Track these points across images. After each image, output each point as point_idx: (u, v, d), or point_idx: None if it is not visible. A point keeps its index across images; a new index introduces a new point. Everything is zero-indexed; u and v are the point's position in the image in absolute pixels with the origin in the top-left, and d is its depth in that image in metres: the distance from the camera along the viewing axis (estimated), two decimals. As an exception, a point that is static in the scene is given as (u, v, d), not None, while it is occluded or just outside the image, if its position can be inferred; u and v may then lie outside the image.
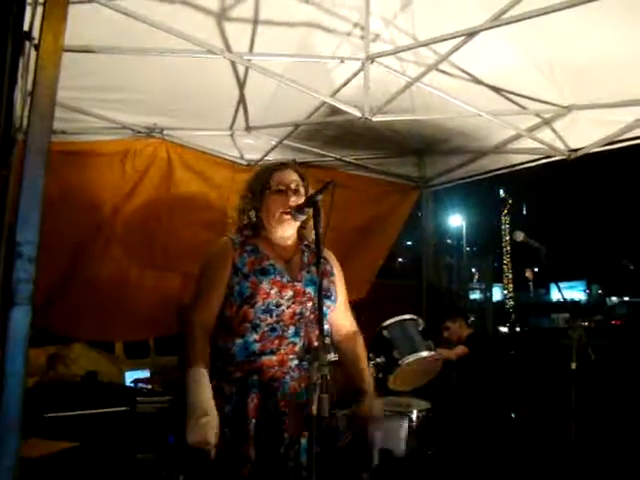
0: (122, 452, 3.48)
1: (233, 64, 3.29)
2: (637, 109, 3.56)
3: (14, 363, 1.15)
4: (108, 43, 2.81)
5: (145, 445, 3.66)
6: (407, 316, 3.47)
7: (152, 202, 4.20)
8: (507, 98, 3.67)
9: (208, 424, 1.94)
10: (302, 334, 2.16)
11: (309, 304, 2.19)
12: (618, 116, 3.70)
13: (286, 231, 2.31)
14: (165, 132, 4.10)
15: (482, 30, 2.59)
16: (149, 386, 4.59)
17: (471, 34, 2.64)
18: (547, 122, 3.97)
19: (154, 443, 3.67)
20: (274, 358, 2.12)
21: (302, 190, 2.29)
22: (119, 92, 3.53)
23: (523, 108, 3.78)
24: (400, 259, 22.72)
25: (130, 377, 4.61)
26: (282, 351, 2.13)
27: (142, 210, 4.16)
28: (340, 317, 2.45)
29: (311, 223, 2.25)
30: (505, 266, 33.67)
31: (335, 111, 3.57)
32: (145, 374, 4.82)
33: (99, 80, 3.33)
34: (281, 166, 2.36)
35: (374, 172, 5.17)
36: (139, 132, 4.01)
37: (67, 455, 2.83)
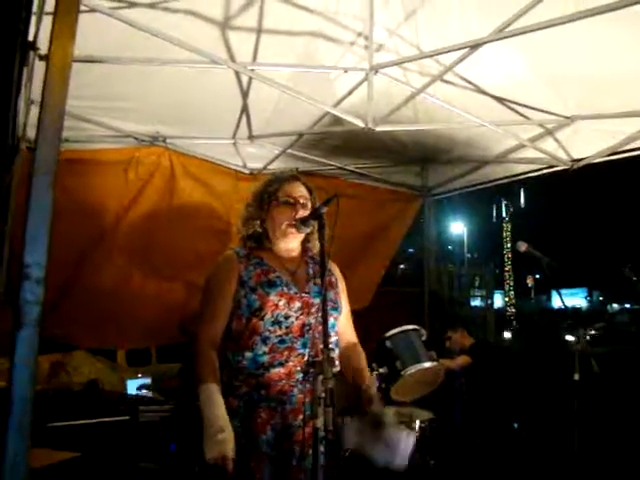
0: (124, 461, 3.46)
1: (237, 73, 3.29)
2: (638, 120, 3.56)
3: (21, 388, 1.14)
4: (111, 53, 2.81)
5: (147, 454, 3.65)
6: (410, 326, 3.44)
7: (155, 210, 4.19)
8: (510, 108, 3.67)
9: (225, 440, 1.93)
10: (310, 345, 2.15)
11: (318, 315, 2.18)
12: (621, 127, 3.72)
13: (290, 243, 2.31)
14: (168, 140, 4.10)
15: (487, 42, 2.59)
16: (150, 394, 4.58)
17: (475, 46, 2.65)
18: (550, 132, 3.97)
19: (156, 452, 3.66)
20: (282, 370, 2.11)
21: (309, 204, 2.30)
22: (122, 100, 3.52)
23: (526, 118, 3.78)
24: (402, 266, 22.68)
25: (132, 385, 4.60)
26: (291, 363, 2.12)
27: (145, 218, 4.16)
28: (342, 328, 2.44)
29: (315, 235, 2.27)
30: (506, 273, 33.59)
31: (338, 121, 3.58)
32: (147, 382, 4.80)
33: (102, 88, 3.32)
34: (290, 178, 2.35)
35: (377, 181, 5.19)
36: (142, 140, 4.01)
37: (69, 465, 2.82)
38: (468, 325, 4.99)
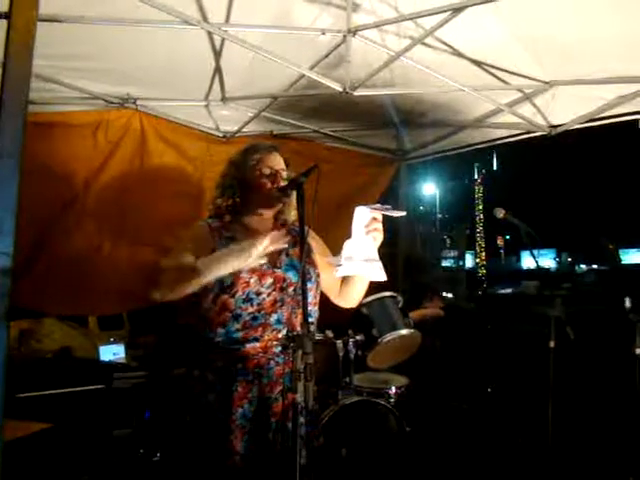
0: (98, 429, 3.43)
1: (209, 34, 3.17)
2: (619, 87, 3.54)
3: None
4: (78, 11, 2.67)
5: (121, 421, 3.63)
6: (387, 293, 3.45)
7: (125, 174, 4.09)
8: (489, 72, 3.61)
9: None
10: (284, 321, 2.12)
11: (289, 290, 2.15)
12: (600, 93, 3.69)
13: (266, 214, 2.27)
14: (138, 102, 3.97)
15: (470, 5, 2.52)
16: (124, 360, 4.55)
17: (458, 9, 2.58)
18: (528, 97, 3.93)
19: (131, 419, 3.64)
20: (258, 345, 2.08)
21: (285, 176, 2.26)
22: (90, 60, 3.37)
23: (505, 83, 3.73)
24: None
25: (104, 352, 4.54)
26: (266, 337, 2.09)
27: (115, 183, 4.05)
28: (333, 280, 2.38)
29: (291, 206, 2.26)
30: (478, 234, 33.95)
31: (315, 83, 3.48)
32: (120, 348, 4.74)
33: (69, 48, 3.18)
34: (270, 149, 2.31)
35: (353, 144, 5.13)
36: (112, 102, 3.88)
37: (42, 436, 2.77)
38: (439, 292, 5.00)
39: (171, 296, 2.03)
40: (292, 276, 2.17)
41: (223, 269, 1.98)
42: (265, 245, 1.96)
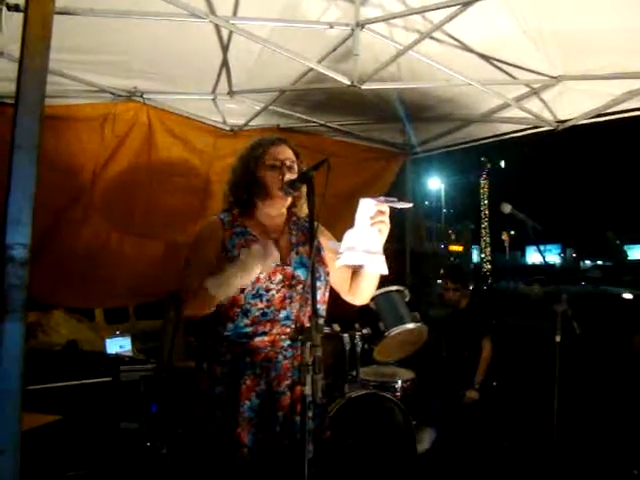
0: (105, 422, 3.45)
1: (217, 27, 3.17)
2: (626, 82, 3.53)
3: (9, 381, 1.06)
4: (87, 4, 2.67)
5: (128, 414, 3.64)
6: (393, 287, 3.46)
7: (132, 168, 4.09)
8: (497, 67, 3.60)
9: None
10: (293, 317, 2.12)
11: (299, 287, 2.14)
12: (607, 88, 3.68)
13: (276, 209, 2.26)
14: (145, 96, 3.96)
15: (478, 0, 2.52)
16: (130, 353, 4.57)
17: (466, 4, 2.57)
18: (535, 92, 3.92)
19: (137, 412, 3.66)
20: (266, 339, 2.08)
21: (296, 167, 2.24)
22: (97, 54, 3.37)
23: (512, 77, 3.72)
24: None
25: (111, 344, 4.56)
26: (274, 331, 2.10)
27: (122, 176, 4.05)
28: (343, 276, 2.36)
29: (303, 200, 2.22)
30: (483, 230, 33.79)
31: (322, 77, 3.47)
32: (126, 341, 4.76)
33: (76, 41, 3.17)
34: (276, 141, 2.29)
35: (359, 138, 5.12)
36: (119, 95, 3.88)
37: (51, 428, 2.79)
38: (468, 283, 4.93)
39: (200, 313, 2.07)
40: (301, 274, 2.16)
41: (230, 288, 1.99)
42: (256, 254, 1.97)
